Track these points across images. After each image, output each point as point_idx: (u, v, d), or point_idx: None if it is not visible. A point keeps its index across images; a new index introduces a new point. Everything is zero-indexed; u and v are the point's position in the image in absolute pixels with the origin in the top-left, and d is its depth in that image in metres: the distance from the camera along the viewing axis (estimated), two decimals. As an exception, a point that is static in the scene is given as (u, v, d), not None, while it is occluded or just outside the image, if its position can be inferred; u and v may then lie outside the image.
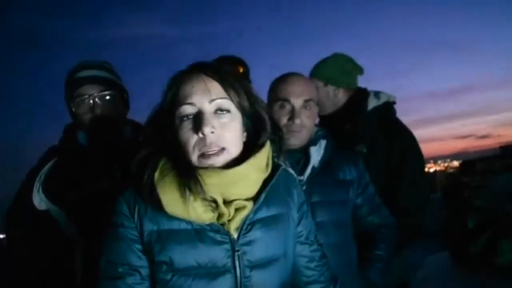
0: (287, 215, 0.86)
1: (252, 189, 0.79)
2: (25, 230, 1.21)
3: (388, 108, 1.62)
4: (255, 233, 0.79)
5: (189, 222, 0.76)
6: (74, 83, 1.20)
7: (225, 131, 0.77)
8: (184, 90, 0.78)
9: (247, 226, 0.78)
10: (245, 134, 0.84)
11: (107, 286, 0.77)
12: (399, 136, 1.55)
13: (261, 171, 0.80)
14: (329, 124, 1.47)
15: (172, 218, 0.76)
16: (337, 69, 1.64)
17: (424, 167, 1.61)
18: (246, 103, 0.81)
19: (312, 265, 0.91)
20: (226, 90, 0.79)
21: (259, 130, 0.84)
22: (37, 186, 1.18)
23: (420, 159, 1.57)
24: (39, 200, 1.17)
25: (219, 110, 0.78)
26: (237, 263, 0.76)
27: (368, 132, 1.55)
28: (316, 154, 1.23)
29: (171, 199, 0.74)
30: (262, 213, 0.81)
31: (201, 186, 0.73)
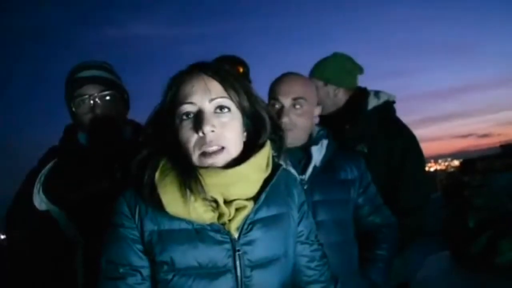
0: (288, 215, 0.86)
1: (252, 189, 0.79)
2: (25, 231, 1.21)
3: (388, 107, 1.62)
4: (256, 233, 0.79)
5: (189, 222, 0.76)
6: (74, 83, 1.20)
7: (225, 130, 0.77)
8: (184, 89, 0.78)
9: (248, 226, 0.78)
10: (245, 134, 0.84)
11: (108, 286, 0.77)
12: (400, 135, 1.55)
13: (261, 171, 0.80)
14: (329, 124, 1.47)
15: (172, 218, 0.76)
16: (337, 68, 1.64)
17: (424, 167, 1.61)
18: (246, 103, 0.81)
19: (312, 264, 0.91)
20: (226, 89, 0.79)
21: (259, 130, 0.84)
22: (37, 186, 1.18)
23: (420, 159, 1.57)
24: (39, 201, 1.17)
25: (219, 109, 0.78)
26: (237, 263, 0.76)
27: (368, 132, 1.54)
28: (318, 153, 1.23)
29: (171, 199, 0.74)
30: (263, 213, 0.81)
31: (202, 186, 0.73)
